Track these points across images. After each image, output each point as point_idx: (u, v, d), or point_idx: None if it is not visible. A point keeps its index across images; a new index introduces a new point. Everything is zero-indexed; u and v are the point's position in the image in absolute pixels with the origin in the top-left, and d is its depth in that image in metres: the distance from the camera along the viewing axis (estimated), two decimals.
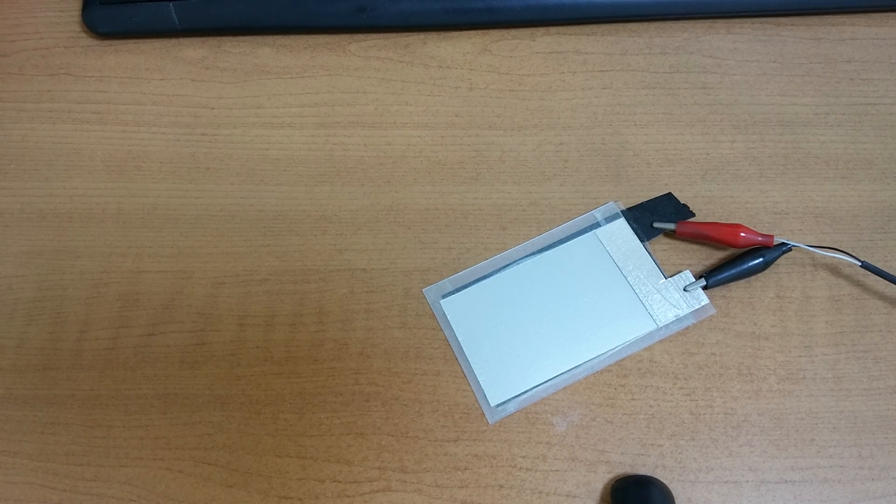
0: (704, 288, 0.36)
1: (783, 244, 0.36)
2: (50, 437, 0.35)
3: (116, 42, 0.45)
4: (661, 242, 0.38)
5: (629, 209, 0.39)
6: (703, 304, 0.36)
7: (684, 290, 0.37)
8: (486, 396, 0.35)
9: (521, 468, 0.34)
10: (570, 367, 0.35)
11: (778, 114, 0.42)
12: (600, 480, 0.33)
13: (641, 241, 0.38)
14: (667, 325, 0.36)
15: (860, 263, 0.36)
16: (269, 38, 0.45)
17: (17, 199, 0.41)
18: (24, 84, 0.44)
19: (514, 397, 0.35)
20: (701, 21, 0.45)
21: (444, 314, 0.37)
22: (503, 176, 0.40)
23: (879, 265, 0.36)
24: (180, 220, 0.40)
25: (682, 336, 0.36)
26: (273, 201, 0.40)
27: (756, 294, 0.37)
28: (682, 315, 0.36)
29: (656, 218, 0.38)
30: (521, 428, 0.35)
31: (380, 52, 0.44)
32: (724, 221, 0.38)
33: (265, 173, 0.41)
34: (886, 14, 0.45)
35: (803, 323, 0.36)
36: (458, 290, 0.37)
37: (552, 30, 0.45)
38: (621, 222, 0.38)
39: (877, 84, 0.42)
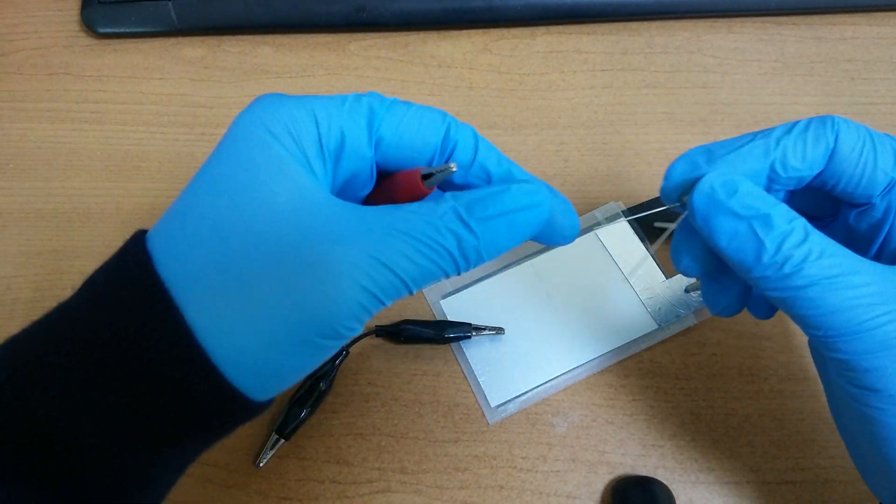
0: None
1: None
2: None
3: (115, 41, 0.45)
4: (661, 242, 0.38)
5: (630, 209, 0.39)
6: (704, 304, 0.36)
7: (685, 290, 0.36)
8: (486, 397, 0.35)
9: (521, 469, 0.34)
10: (570, 368, 0.35)
11: (779, 113, 0.41)
12: (601, 481, 0.33)
13: (642, 241, 0.38)
14: (668, 325, 0.36)
15: None
16: (269, 38, 0.45)
17: (15, 198, 0.41)
18: (23, 83, 0.44)
19: (514, 398, 0.35)
20: (702, 20, 0.45)
21: (444, 314, 0.37)
22: None
23: None
24: None
25: (684, 336, 0.36)
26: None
27: None
28: (683, 315, 0.36)
29: (657, 218, 0.38)
30: (521, 429, 0.34)
31: (379, 51, 0.44)
32: None
33: None
34: (887, 13, 0.45)
35: None
36: (458, 290, 0.37)
37: (552, 29, 0.45)
38: (622, 222, 0.38)
39: (878, 83, 0.42)
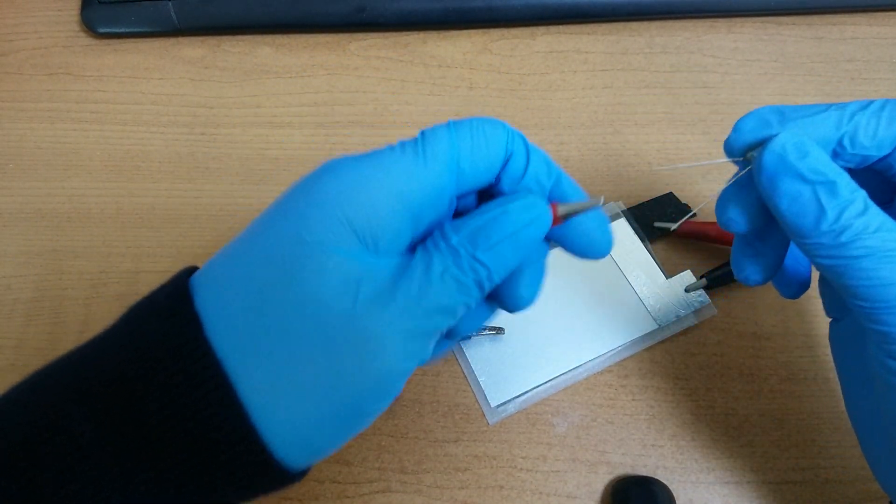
0: (706, 288, 0.36)
1: None
2: None
3: (115, 41, 0.45)
4: (662, 242, 0.38)
5: (630, 209, 0.39)
6: (704, 304, 0.36)
7: (686, 290, 0.36)
8: (486, 397, 0.35)
9: (521, 469, 0.34)
10: (570, 368, 0.35)
11: None
12: (601, 481, 0.33)
13: (642, 240, 0.38)
14: (668, 325, 0.36)
15: None
16: (269, 38, 0.45)
17: (15, 198, 0.41)
18: (23, 83, 0.44)
19: (514, 398, 0.35)
20: (702, 20, 0.45)
21: None
22: None
23: None
24: (179, 220, 0.40)
25: (684, 336, 0.36)
26: (273, 201, 0.40)
27: (757, 294, 0.37)
28: (683, 315, 0.36)
29: (657, 217, 0.38)
30: (521, 429, 0.34)
31: (379, 51, 0.44)
32: None
33: (264, 173, 0.41)
34: (888, 13, 0.45)
35: (805, 323, 0.36)
36: None
37: (552, 29, 0.45)
38: (622, 222, 0.38)
39: (878, 83, 0.42)
